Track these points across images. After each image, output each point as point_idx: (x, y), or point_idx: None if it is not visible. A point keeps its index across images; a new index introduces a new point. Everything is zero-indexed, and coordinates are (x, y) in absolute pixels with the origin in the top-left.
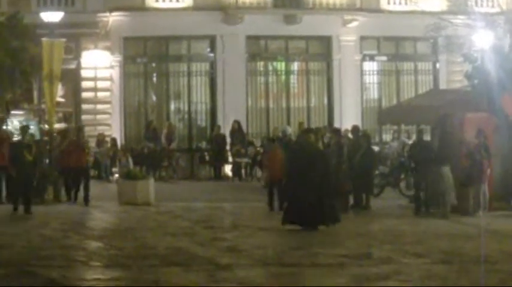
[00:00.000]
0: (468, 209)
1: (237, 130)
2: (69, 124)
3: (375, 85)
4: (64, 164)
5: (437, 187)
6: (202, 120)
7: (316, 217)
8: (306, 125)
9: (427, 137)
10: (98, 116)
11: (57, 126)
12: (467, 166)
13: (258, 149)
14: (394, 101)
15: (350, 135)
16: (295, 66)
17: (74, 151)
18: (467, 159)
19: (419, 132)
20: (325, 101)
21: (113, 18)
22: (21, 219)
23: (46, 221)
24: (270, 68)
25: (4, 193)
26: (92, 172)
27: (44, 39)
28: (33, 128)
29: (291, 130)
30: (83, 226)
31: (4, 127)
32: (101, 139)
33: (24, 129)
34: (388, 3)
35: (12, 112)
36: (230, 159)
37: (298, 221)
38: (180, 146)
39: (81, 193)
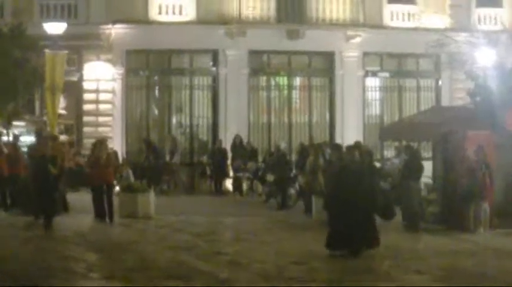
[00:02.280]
0: (469, 226)
1: (238, 145)
2: (70, 136)
3: (377, 101)
4: (89, 178)
5: (407, 201)
6: (203, 134)
7: (362, 239)
8: (307, 141)
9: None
10: (99, 129)
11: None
12: (467, 183)
13: (260, 164)
14: (396, 118)
15: None
16: (297, 81)
17: (97, 164)
18: (468, 176)
19: (407, 149)
20: (327, 116)
21: (116, 31)
22: (23, 230)
23: (47, 232)
24: (273, 83)
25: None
26: None
27: (46, 51)
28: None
29: (285, 146)
30: (84, 238)
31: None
32: None
33: (39, 134)
34: (391, 19)
35: (14, 123)
36: (231, 173)
37: (344, 246)
38: (181, 160)
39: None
